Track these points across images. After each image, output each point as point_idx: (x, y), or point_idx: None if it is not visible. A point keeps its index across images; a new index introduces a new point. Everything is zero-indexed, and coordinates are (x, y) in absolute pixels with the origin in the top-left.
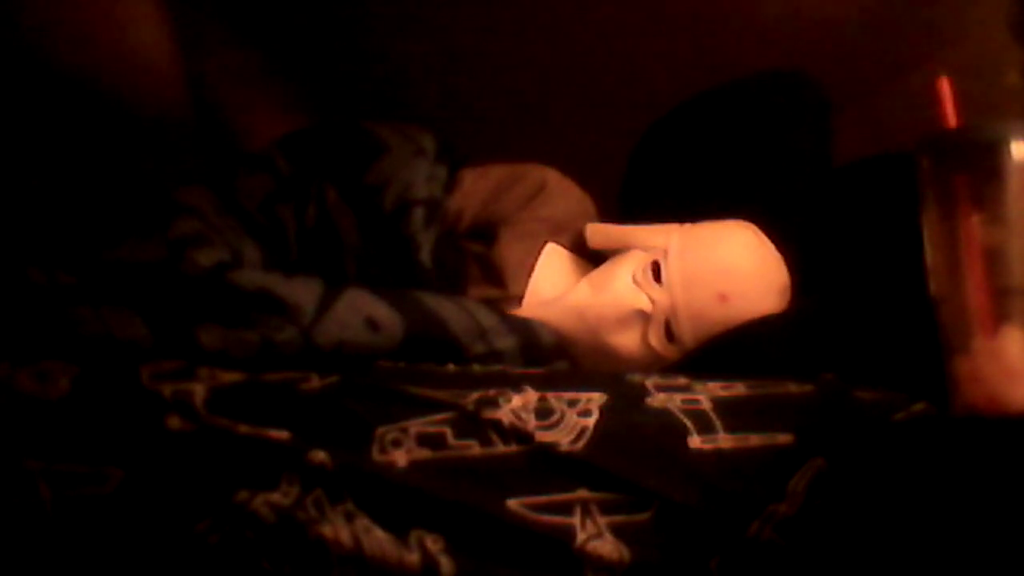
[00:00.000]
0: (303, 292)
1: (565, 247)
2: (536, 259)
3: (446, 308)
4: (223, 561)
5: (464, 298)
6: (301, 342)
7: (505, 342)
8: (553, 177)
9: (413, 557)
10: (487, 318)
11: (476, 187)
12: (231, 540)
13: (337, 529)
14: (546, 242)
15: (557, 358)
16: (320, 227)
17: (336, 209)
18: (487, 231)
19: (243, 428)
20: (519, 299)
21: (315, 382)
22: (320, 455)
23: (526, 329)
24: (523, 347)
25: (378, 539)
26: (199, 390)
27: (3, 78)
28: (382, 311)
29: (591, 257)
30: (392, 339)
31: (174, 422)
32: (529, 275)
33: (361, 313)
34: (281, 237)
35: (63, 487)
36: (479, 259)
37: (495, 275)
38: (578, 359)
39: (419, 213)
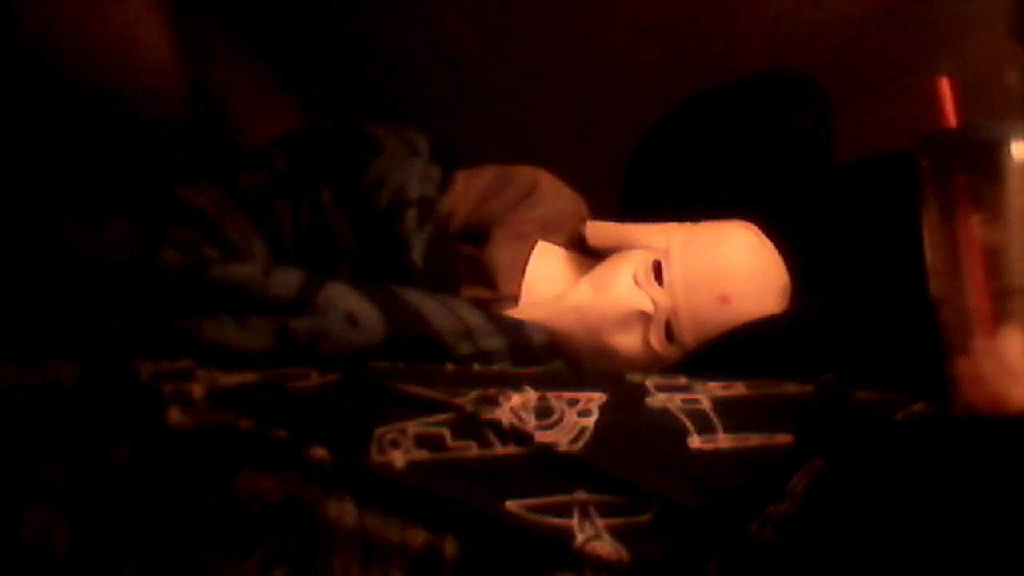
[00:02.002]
0: (281, 285)
1: (558, 245)
2: (528, 259)
3: (430, 306)
4: (228, 538)
5: (451, 297)
6: (278, 336)
7: (493, 342)
8: (545, 178)
9: (417, 539)
10: (473, 317)
11: (468, 189)
12: (236, 518)
13: (341, 509)
14: (537, 241)
15: (549, 358)
16: (313, 226)
17: (330, 208)
18: (478, 232)
19: (243, 422)
20: (512, 299)
21: (315, 379)
22: (320, 451)
23: (516, 329)
24: (512, 348)
25: (381, 519)
26: (197, 390)
27: (3, 78)
28: (363, 307)
29: (586, 253)
30: (372, 335)
31: (175, 416)
32: (522, 275)
33: (340, 308)
34: (280, 232)
35: (74, 458)
36: (470, 261)
37: (486, 276)
38: (578, 359)
39: (412, 213)
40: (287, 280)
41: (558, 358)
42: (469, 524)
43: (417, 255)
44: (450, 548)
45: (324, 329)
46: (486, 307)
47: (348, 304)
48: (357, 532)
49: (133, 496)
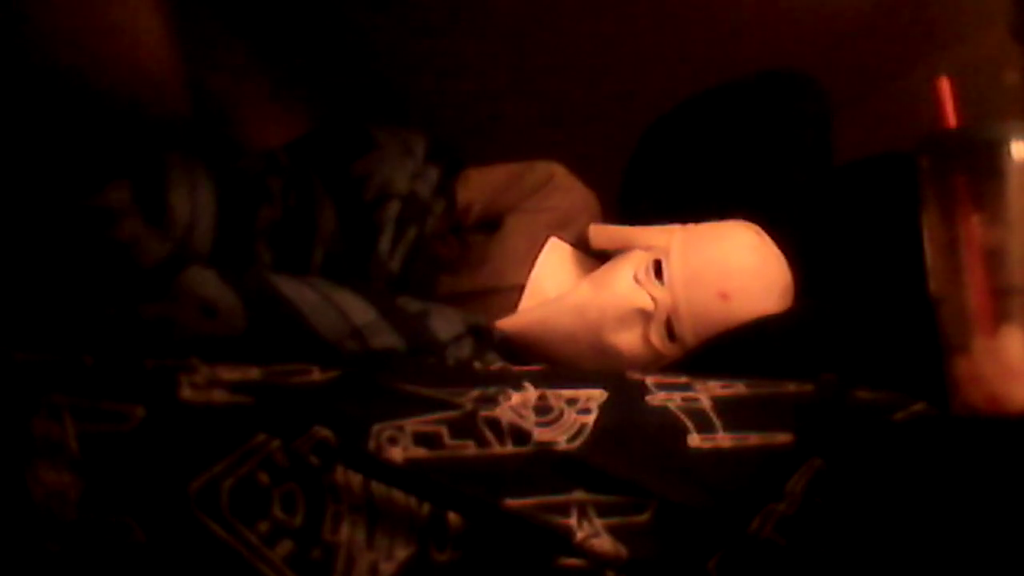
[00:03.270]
0: (149, 259)
1: (568, 243)
2: (538, 251)
3: (309, 301)
4: (236, 505)
5: (346, 293)
6: (126, 316)
7: (385, 340)
8: (560, 171)
9: (423, 508)
10: (362, 315)
11: (484, 181)
12: (245, 483)
13: (347, 476)
14: (549, 234)
15: (479, 351)
16: (299, 210)
17: (319, 194)
18: (493, 222)
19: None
20: (517, 289)
21: (316, 376)
22: (324, 431)
23: (416, 326)
24: (412, 345)
25: (386, 488)
26: (200, 381)
27: (5, 78)
28: (224, 297)
29: (594, 254)
30: (230, 327)
31: (186, 392)
32: (530, 265)
33: (196, 296)
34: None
35: (86, 421)
36: (480, 248)
37: (495, 264)
38: (580, 361)
39: (394, 205)
40: (155, 254)
41: (493, 351)
42: (471, 511)
43: (384, 243)
44: (455, 520)
45: (172, 315)
46: (484, 299)
47: (206, 292)
48: (363, 498)
49: (144, 458)
